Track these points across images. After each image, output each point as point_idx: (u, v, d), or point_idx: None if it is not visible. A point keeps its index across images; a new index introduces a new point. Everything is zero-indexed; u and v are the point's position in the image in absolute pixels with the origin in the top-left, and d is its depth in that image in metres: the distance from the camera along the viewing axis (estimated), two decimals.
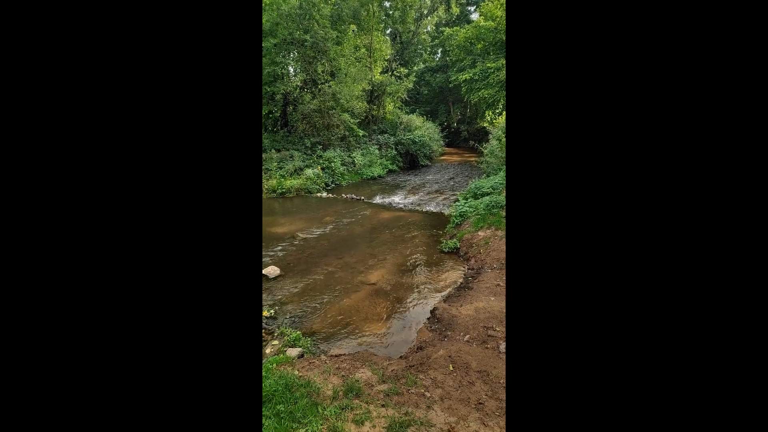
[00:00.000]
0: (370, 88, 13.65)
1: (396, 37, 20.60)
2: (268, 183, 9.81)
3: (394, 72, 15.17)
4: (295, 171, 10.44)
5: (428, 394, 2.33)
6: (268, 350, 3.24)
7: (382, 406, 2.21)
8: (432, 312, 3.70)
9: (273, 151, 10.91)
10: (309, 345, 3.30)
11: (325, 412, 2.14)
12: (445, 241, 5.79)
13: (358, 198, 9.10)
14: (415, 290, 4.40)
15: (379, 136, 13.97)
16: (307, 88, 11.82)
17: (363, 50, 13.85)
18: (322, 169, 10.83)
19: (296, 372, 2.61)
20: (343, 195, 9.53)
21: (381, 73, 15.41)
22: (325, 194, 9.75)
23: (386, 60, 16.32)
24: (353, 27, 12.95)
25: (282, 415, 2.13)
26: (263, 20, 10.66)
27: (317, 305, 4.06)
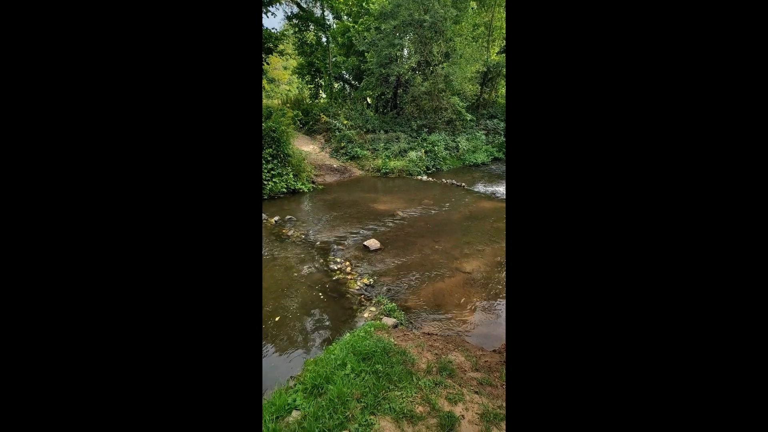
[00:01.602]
0: (484, 69, 12.88)
1: None
2: (374, 162, 10.33)
3: None
4: (399, 152, 10.72)
5: None
6: (366, 314, 3.53)
7: (476, 393, 2.20)
8: None
9: (382, 132, 11.38)
10: (403, 318, 3.46)
11: (420, 383, 2.24)
12: None
13: (458, 184, 8.89)
14: None
15: (487, 121, 13.22)
16: (419, 70, 11.82)
17: (482, 29, 13.05)
18: (425, 152, 10.86)
19: (392, 340, 2.78)
20: (443, 180, 9.43)
21: (498, 53, 14.35)
22: (425, 177, 9.80)
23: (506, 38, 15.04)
24: (473, 4, 12.26)
25: (380, 375, 2.31)
26: (386, 2, 10.91)
27: (412, 282, 4.20)
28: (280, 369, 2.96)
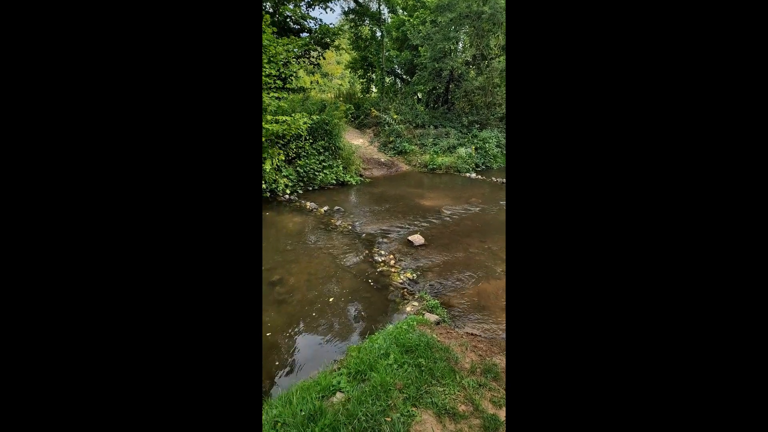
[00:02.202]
0: None
1: None
2: (421, 158, 10.25)
3: None
4: (448, 148, 10.52)
5: None
6: (408, 308, 3.55)
7: None
8: None
9: (431, 127, 11.23)
10: (445, 315, 3.43)
11: (463, 382, 2.21)
12: None
13: None
14: None
15: None
16: (474, 64, 11.44)
17: None
18: (476, 149, 10.54)
19: (435, 336, 2.77)
20: (492, 178, 9.10)
21: None
22: (473, 175, 9.52)
23: None
24: None
25: (422, 368, 2.32)
26: None
27: (455, 281, 4.13)
28: (325, 351, 3.09)
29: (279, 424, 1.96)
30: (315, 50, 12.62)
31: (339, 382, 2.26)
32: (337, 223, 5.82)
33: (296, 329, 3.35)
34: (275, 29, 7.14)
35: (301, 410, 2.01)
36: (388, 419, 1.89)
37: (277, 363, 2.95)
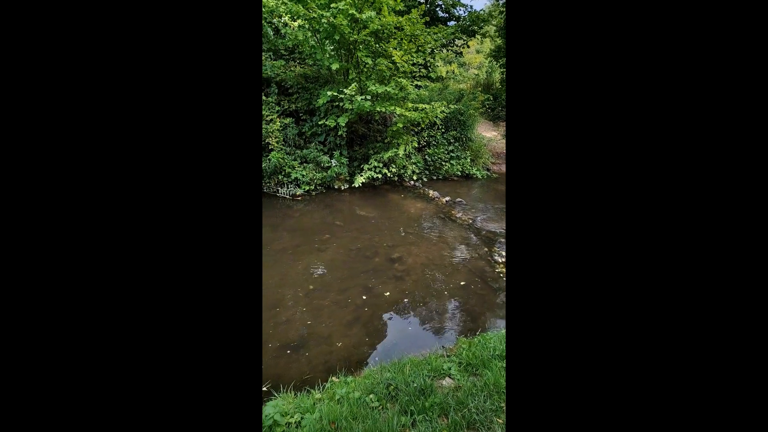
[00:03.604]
0: None
1: None
2: None
3: None
4: None
5: None
6: None
7: None
8: None
9: None
10: None
11: None
12: None
13: None
14: None
15: None
16: None
17: None
18: None
19: None
20: None
21: None
22: None
23: None
24: None
25: None
26: None
27: None
28: (428, 333, 3.19)
29: (392, 387, 2.14)
30: (460, 38, 12.43)
31: (450, 369, 2.31)
32: (458, 215, 5.77)
33: (406, 306, 3.54)
34: (427, 19, 7.32)
35: (413, 381, 2.14)
36: (500, 421, 1.84)
37: (382, 332, 3.20)
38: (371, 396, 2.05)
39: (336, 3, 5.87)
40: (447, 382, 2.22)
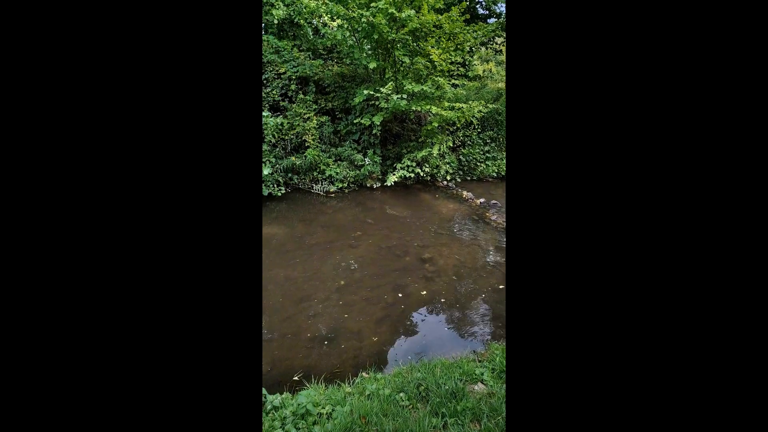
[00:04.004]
0: None
1: None
2: None
3: None
4: None
5: None
6: None
7: None
8: None
9: None
10: None
11: None
12: None
13: None
14: None
15: None
16: None
17: None
18: None
19: None
20: None
21: None
22: None
23: None
24: None
25: None
26: None
27: None
28: (455, 336, 3.13)
29: (422, 387, 2.11)
30: (500, 36, 12.06)
31: (482, 374, 2.24)
32: (492, 217, 5.61)
33: (437, 307, 3.49)
34: (467, 16, 7.16)
35: (444, 384, 2.11)
36: None
37: (412, 331, 3.17)
38: (401, 394, 2.04)
39: (376, 2, 5.91)
40: (479, 387, 2.16)
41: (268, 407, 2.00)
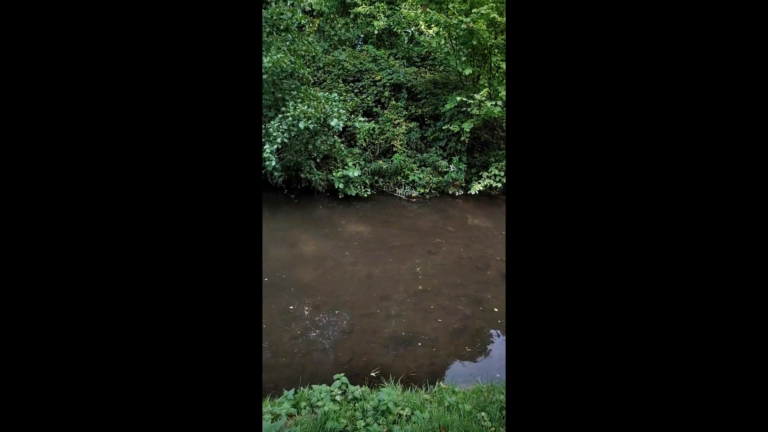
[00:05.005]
0: None
1: None
2: None
3: None
4: None
5: None
6: None
7: None
8: None
9: None
10: None
11: None
12: None
13: None
14: None
15: None
16: None
17: None
18: None
19: None
20: None
21: None
22: None
23: None
24: None
25: None
26: None
27: None
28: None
29: (452, 406, 2.00)
30: None
31: None
32: None
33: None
34: None
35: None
36: None
37: (490, 348, 3.01)
38: (483, 414, 1.96)
39: (477, 8, 5.82)
40: None
41: (350, 397, 2.12)
